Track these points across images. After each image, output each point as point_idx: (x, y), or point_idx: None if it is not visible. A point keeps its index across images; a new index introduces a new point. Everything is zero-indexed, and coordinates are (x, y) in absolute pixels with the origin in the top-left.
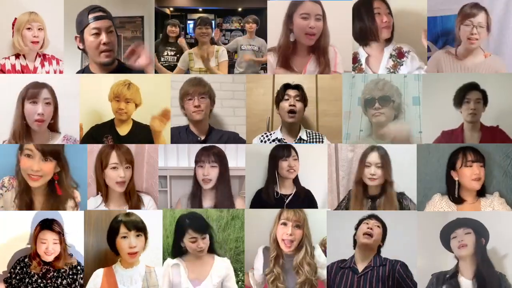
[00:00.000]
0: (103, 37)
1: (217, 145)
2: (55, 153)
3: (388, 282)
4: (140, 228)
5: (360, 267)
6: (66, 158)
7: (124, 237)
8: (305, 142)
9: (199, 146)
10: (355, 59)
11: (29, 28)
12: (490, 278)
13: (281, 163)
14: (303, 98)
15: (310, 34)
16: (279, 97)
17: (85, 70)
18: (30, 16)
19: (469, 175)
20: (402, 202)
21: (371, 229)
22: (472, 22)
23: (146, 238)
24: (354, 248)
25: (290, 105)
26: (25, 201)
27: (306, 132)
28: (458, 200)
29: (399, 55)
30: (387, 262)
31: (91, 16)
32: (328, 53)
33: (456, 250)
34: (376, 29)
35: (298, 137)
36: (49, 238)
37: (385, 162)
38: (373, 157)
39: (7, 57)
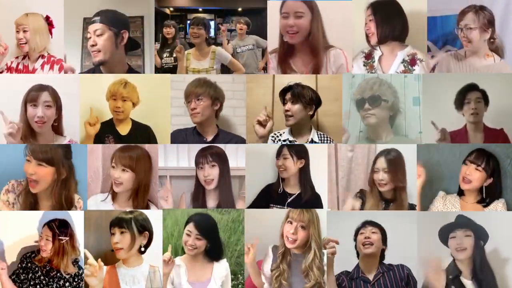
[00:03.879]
0: (91, 40)
1: (216, 145)
2: (50, 160)
3: (401, 283)
4: (122, 225)
5: (370, 276)
6: (67, 165)
7: (113, 234)
8: (316, 143)
9: (198, 147)
10: (370, 55)
11: (17, 31)
12: (488, 281)
13: (275, 161)
14: (300, 98)
15: (290, 33)
16: (281, 100)
17: (95, 70)
18: (20, 19)
19: (462, 173)
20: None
21: (368, 238)
22: (461, 25)
23: (132, 236)
24: (358, 258)
25: (285, 110)
26: (29, 201)
27: (318, 134)
28: (460, 192)
29: (412, 62)
30: (393, 267)
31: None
32: (320, 53)
33: (455, 252)
34: (367, 35)
35: (310, 138)
36: (44, 233)
37: (393, 167)
38: (381, 163)
39: (16, 57)
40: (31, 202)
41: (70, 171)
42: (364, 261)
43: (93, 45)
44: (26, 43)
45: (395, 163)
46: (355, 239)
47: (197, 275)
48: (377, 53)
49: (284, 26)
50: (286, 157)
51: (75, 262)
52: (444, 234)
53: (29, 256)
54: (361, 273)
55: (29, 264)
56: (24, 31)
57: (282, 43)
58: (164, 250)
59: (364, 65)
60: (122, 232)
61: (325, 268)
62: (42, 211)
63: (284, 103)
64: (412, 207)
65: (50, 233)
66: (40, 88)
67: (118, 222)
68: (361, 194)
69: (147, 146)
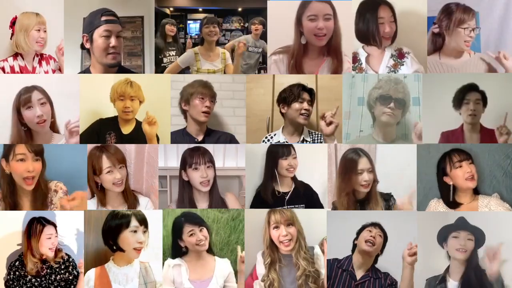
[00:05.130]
0: (113, 40)
1: (203, 145)
2: (41, 152)
3: None
4: (147, 225)
5: (358, 273)
6: (44, 156)
7: (135, 231)
8: (308, 143)
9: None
10: (355, 58)
11: (38, 30)
12: (480, 281)
13: (281, 162)
14: (313, 101)
15: (319, 36)
16: (293, 96)
17: (85, 72)
18: (37, 17)
19: (462, 175)
20: (389, 200)
21: (373, 237)
22: (469, 25)
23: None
24: (353, 252)
25: (305, 109)
26: (8, 203)
27: (309, 133)
28: (453, 205)
29: (400, 56)
30: (382, 276)
31: (104, 18)
32: (341, 54)
33: (454, 251)
34: (379, 38)
35: (302, 138)
36: (53, 232)
37: (373, 165)
38: (364, 163)
39: (5, 59)
40: (10, 205)
41: (44, 162)
42: (359, 256)
43: (114, 47)
44: (44, 42)
45: (372, 159)
46: (358, 233)
47: (199, 273)
48: (362, 54)
49: (312, 29)
50: (295, 156)
51: None
52: (444, 234)
53: (14, 264)
54: (351, 267)
55: (17, 273)
56: (45, 31)
57: (299, 45)
58: (164, 250)
59: (353, 69)
60: (144, 232)
61: (317, 264)
62: (24, 210)
63: (299, 101)
64: (389, 196)
65: (54, 229)
66: (28, 89)
67: (145, 221)
68: (334, 207)
69: (147, 146)
